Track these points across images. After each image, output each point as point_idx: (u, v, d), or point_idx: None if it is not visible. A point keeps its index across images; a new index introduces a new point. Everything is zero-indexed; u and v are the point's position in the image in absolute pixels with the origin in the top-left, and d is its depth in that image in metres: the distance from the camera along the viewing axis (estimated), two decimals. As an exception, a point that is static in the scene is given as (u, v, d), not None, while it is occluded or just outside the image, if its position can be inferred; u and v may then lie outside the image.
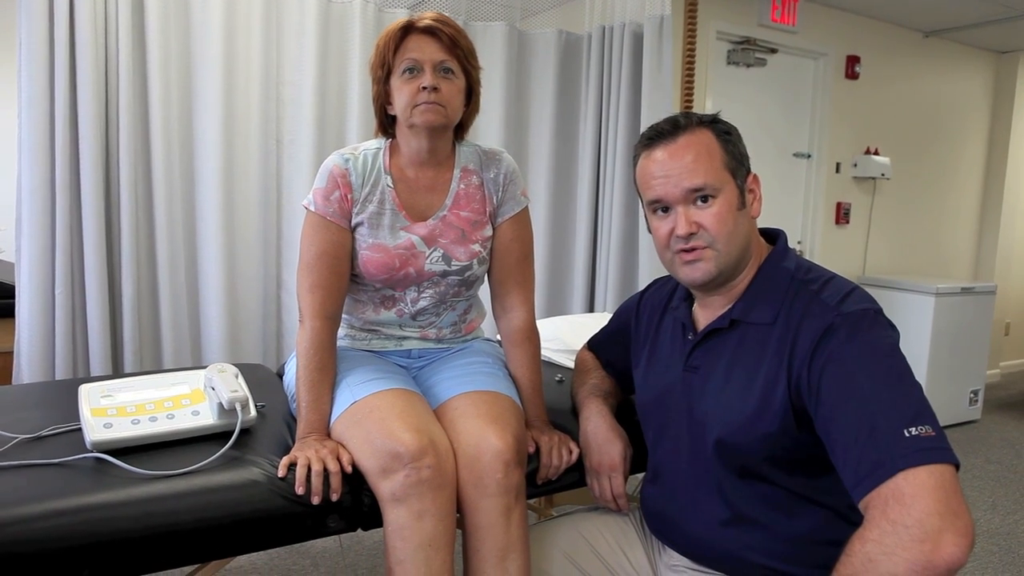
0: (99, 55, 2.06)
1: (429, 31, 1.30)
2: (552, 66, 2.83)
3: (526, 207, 1.46)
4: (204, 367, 1.37)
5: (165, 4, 2.18)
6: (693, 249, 1.08)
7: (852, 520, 0.97)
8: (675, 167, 1.08)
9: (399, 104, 1.32)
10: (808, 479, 1.05)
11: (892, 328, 1.01)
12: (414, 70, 1.29)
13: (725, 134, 1.11)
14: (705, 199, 1.07)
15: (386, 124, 1.40)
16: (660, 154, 1.10)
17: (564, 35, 2.85)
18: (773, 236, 1.17)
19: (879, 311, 1.01)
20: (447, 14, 1.38)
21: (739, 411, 1.06)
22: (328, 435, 1.27)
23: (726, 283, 1.13)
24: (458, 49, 1.32)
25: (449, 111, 1.31)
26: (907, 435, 0.87)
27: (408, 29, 1.31)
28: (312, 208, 1.34)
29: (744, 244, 1.10)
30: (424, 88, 1.28)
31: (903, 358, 0.97)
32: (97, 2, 2.04)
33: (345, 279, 1.37)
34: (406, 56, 1.29)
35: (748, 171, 1.13)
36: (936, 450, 0.86)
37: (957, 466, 0.87)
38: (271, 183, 2.44)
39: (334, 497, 1.15)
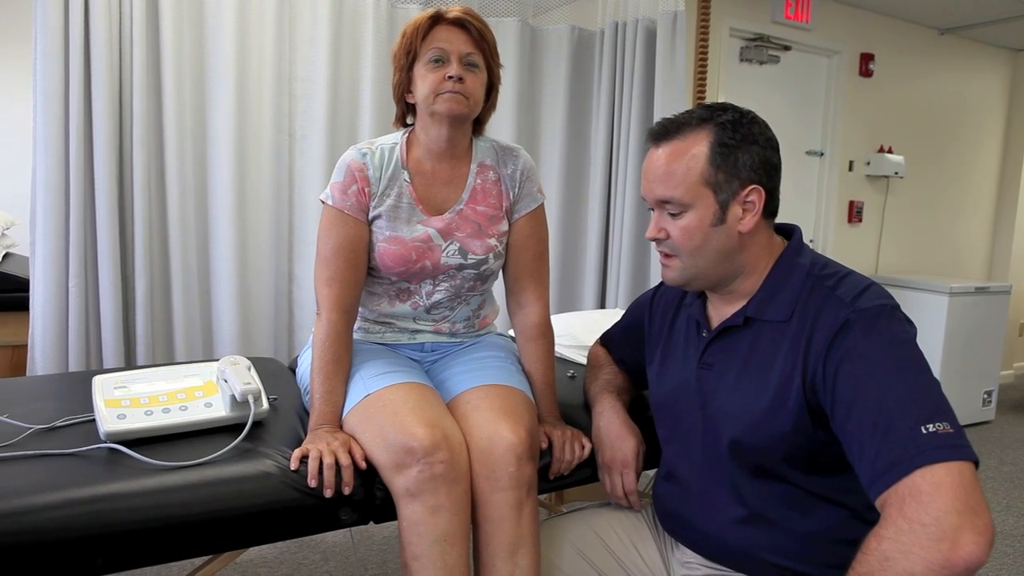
0: (113, 51, 2.07)
1: (459, 23, 1.33)
2: (564, 62, 2.82)
3: (542, 204, 1.46)
4: (216, 360, 1.38)
5: (179, 0, 2.18)
6: (663, 252, 1.12)
7: (868, 519, 0.96)
8: (653, 172, 1.08)
9: (422, 92, 1.33)
10: (824, 478, 1.04)
11: (909, 323, 0.99)
12: (440, 60, 1.31)
13: (728, 140, 1.04)
14: (674, 210, 1.07)
15: (405, 114, 1.42)
16: (651, 153, 1.10)
17: (577, 31, 2.84)
18: (788, 231, 1.15)
19: (896, 307, 1.00)
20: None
21: (753, 409, 1.05)
22: (340, 427, 1.27)
23: (721, 286, 1.12)
24: (484, 43, 1.35)
25: (472, 102, 1.33)
26: (924, 432, 0.86)
27: (437, 19, 1.33)
28: (329, 202, 1.35)
29: (717, 259, 1.08)
30: (450, 77, 1.30)
31: (920, 354, 0.95)
32: (112, -2, 2.05)
33: (362, 272, 1.37)
34: (433, 45, 1.31)
35: (747, 183, 1.04)
36: (954, 447, 0.85)
37: (976, 463, 0.86)
38: (283, 178, 2.45)
39: (347, 490, 1.15)
